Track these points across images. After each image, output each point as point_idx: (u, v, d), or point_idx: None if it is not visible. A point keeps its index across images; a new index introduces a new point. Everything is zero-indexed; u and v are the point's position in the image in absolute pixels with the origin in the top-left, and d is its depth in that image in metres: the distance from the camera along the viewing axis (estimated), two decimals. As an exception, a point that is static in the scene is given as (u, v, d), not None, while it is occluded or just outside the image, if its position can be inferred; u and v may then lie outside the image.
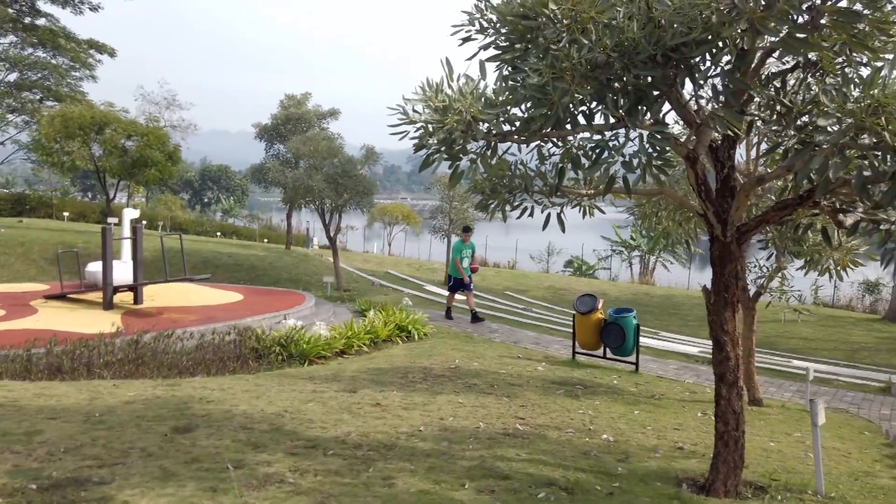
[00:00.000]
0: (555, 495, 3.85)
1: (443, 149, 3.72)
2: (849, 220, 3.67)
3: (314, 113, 23.19)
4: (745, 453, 5.25)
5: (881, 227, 3.36)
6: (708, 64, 3.44)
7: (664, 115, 3.95)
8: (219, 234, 31.22)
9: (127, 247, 12.79)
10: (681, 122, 4.76)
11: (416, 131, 3.73)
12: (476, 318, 13.06)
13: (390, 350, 10.36)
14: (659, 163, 3.60)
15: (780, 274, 7.34)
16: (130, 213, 13.15)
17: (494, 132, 3.81)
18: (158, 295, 12.62)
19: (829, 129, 3.16)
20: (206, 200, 53.65)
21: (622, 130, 3.70)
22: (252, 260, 19.93)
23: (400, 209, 31.67)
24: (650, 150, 3.48)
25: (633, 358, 9.50)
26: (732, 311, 4.17)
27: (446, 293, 17.33)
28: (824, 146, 3.16)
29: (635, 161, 3.63)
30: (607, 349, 9.68)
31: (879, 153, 3.14)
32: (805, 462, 5.15)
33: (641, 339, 11.59)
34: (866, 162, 3.21)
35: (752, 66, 3.63)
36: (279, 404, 6.12)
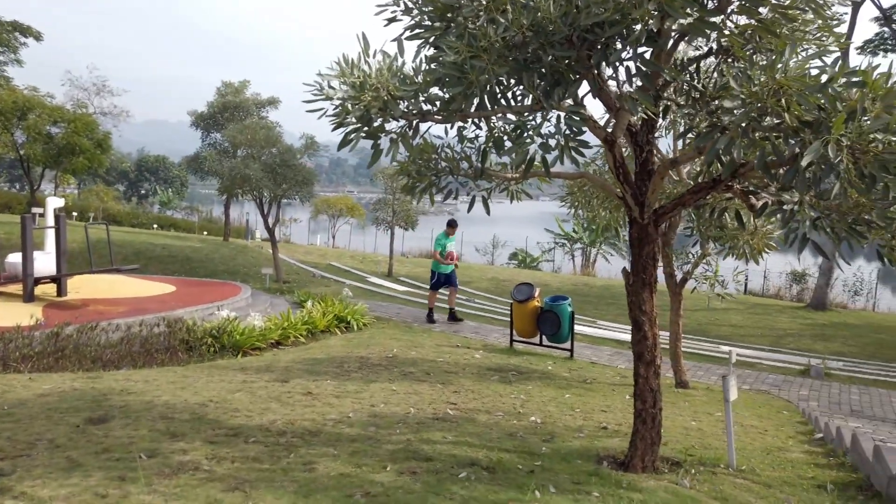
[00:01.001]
0: (476, 474, 3.86)
1: (363, 127, 3.66)
2: (758, 203, 3.80)
3: (253, 101, 22.63)
4: (667, 432, 5.41)
5: (784, 207, 3.48)
6: (622, 47, 3.48)
7: (583, 96, 4.01)
8: (155, 226, 30.20)
9: (51, 237, 12.21)
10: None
11: (334, 109, 3.66)
12: (454, 317, 12.37)
13: (328, 340, 10.23)
14: (574, 144, 3.65)
15: (704, 260, 7.58)
16: (54, 202, 12.54)
17: (414, 111, 3.77)
18: (85, 287, 12.10)
19: (735, 111, 3.25)
20: (143, 192, 51.84)
21: (541, 111, 3.72)
22: (187, 251, 19.35)
23: (344, 201, 31.36)
24: (566, 131, 3.52)
25: (568, 344, 9.67)
26: (650, 292, 4.27)
27: (392, 286, 17.27)
28: (730, 128, 3.25)
29: (553, 142, 3.66)
30: (543, 336, 9.82)
31: (781, 135, 3.25)
32: (722, 439, 5.33)
33: (578, 327, 11.83)
34: (772, 144, 3.32)
35: (666, 49, 3.70)
36: (205, 394, 5.95)
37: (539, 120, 3.68)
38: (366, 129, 3.63)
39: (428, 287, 12.77)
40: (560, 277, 23.78)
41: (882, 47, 20.90)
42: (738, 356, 10.04)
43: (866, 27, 23.35)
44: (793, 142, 3.17)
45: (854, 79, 3.21)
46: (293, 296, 13.57)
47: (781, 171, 3.42)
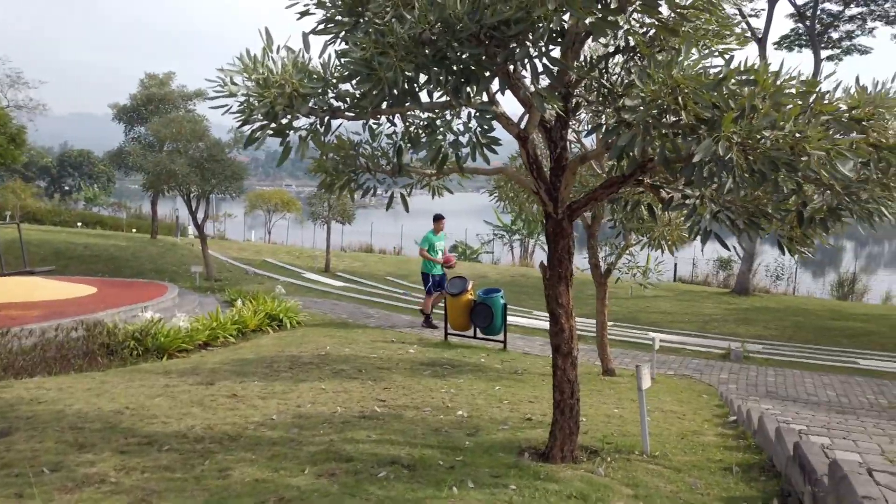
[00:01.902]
0: (395, 473, 3.86)
1: (269, 124, 3.58)
2: (667, 197, 3.91)
3: (179, 94, 21.84)
4: (590, 420, 5.55)
5: (687, 202, 3.60)
6: (529, 44, 3.51)
7: (495, 93, 4.03)
8: (80, 224, 28.85)
9: (-43, 239, 11.50)
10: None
11: (239, 106, 3.56)
12: (429, 321, 11.23)
13: (259, 340, 10.02)
14: (486, 141, 3.67)
15: (627, 251, 7.80)
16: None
17: (323, 108, 3.71)
18: (-3, 291, 11.44)
19: (637, 109, 3.33)
20: (66, 188, 49.43)
21: (452, 108, 3.72)
22: (112, 250, 18.58)
23: (279, 195, 30.75)
24: (477, 128, 3.53)
25: (501, 336, 9.79)
26: (566, 285, 4.35)
27: (329, 282, 17.05)
28: (633, 125, 3.33)
29: (464, 139, 3.67)
30: (477, 329, 9.91)
31: (680, 132, 3.35)
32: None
33: (513, 318, 11.98)
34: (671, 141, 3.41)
35: (573, 47, 3.76)
36: (121, 401, 5.73)
37: (450, 117, 3.68)
38: (272, 126, 3.54)
39: (418, 295, 11.74)
40: (499, 269, 24.05)
41: (797, 42, 21.94)
42: (664, 342, 10.40)
43: (782, 23, 24.42)
44: (690, 139, 3.28)
45: (746, 77, 3.34)
46: (224, 294, 13.22)
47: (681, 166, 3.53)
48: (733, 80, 3.33)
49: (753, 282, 20.21)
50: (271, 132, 3.55)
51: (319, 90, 3.53)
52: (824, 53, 20.84)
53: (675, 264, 22.01)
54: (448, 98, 3.78)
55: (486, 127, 3.54)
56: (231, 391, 6.27)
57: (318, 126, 3.81)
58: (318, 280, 17.59)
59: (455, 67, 3.53)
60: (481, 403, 6.14)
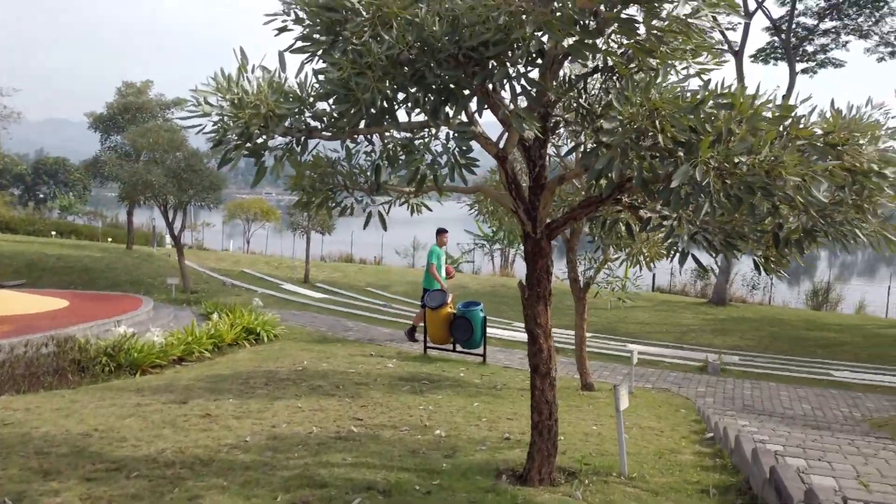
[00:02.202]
0: (371, 500, 3.78)
1: (244, 144, 3.51)
2: (646, 217, 3.91)
3: (156, 102, 21.58)
4: (568, 438, 5.52)
5: (665, 223, 3.60)
6: (508, 65, 3.49)
7: (474, 112, 4.00)
8: (54, 233, 28.32)
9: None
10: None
11: (214, 126, 3.49)
12: (412, 335, 11.05)
13: (236, 355, 9.87)
14: (464, 161, 3.63)
15: (606, 266, 7.82)
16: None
17: (300, 128, 3.65)
18: (-35, 305, 11.15)
19: (614, 131, 3.32)
20: (41, 196, 48.56)
21: (430, 129, 3.69)
22: (86, 261, 18.25)
23: (258, 205, 30.48)
24: (455, 149, 3.49)
25: (481, 350, 9.74)
26: (545, 305, 4.32)
27: (308, 293, 16.89)
28: (610, 148, 3.31)
29: (442, 159, 3.64)
30: (457, 343, 9.86)
31: (658, 154, 3.34)
32: (621, 443, 5.49)
33: (493, 331, 11.95)
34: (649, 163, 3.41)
35: (551, 68, 3.75)
36: (91, 422, 5.58)
37: (428, 137, 3.64)
38: (247, 146, 3.47)
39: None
40: (479, 279, 24.03)
41: (773, 56, 22.32)
42: (642, 355, 10.44)
43: (759, 36, 24.79)
44: (667, 162, 3.27)
45: (723, 101, 3.35)
46: (200, 307, 13.03)
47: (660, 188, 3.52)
48: (710, 103, 3.34)
49: (730, 291, 20.42)
50: (246, 153, 3.48)
51: (296, 110, 3.47)
52: (799, 66, 21.22)
53: (654, 275, 22.17)
54: (426, 118, 3.75)
55: (464, 147, 3.51)
56: (205, 410, 6.15)
57: (295, 146, 3.75)
58: (297, 291, 17.43)
59: (433, 87, 3.50)
60: (459, 422, 6.08)
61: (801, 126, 3.33)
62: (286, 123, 3.55)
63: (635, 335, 14.18)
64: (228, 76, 3.35)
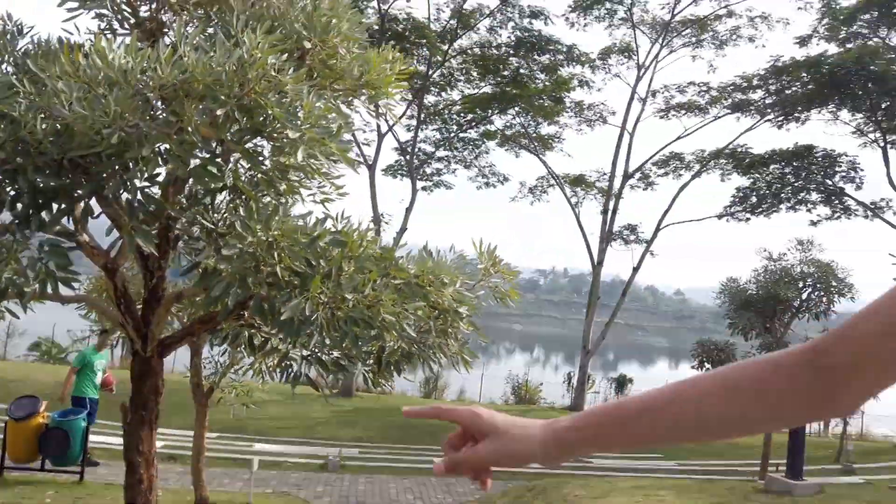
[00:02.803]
0: None
1: None
2: (256, 340, 3.98)
3: None
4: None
5: (279, 348, 3.72)
6: (121, 180, 3.29)
7: (81, 218, 3.63)
8: None
9: None
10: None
11: None
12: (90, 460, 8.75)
13: None
14: (63, 274, 3.24)
15: (232, 369, 7.61)
16: None
17: None
18: None
19: (233, 258, 3.36)
20: None
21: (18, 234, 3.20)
22: None
23: None
24: (46, 260, 3.09)
25: (79, 466, 8.35)
26: (150, 430, 3.99)
27: None
28: (227, 275, 3.33)
29: (31, 271, 3.17)
30: (47, 459, 8.28)
31: (275, 284, 3.48)
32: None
33: (104, 438, 10.39)
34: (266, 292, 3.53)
35: (173, 184, 3.66)
36: None
37: (15, 245, 3.15)
38: None
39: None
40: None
41: (400, 172, 25.63)
42: (266, 456, 10.27)
43: (389, 154, 28.33)
44: (283, 293, 3.43)
45: (338, 237, 3.70)
46: None
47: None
48: (327, 239, 3.66)
49: (357, 382, 21.74)
50: None
51: None
52: (420, 184, 24.75)
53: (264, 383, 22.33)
54: (19, 222, 3.26)
55: (59, 262, 3.13)
56: None
57: None
58: None
59: (25, 192, 3.08)
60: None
61: (399, 267, 3.87)
62: None
63: (264, 432, 13.92)
64: None
